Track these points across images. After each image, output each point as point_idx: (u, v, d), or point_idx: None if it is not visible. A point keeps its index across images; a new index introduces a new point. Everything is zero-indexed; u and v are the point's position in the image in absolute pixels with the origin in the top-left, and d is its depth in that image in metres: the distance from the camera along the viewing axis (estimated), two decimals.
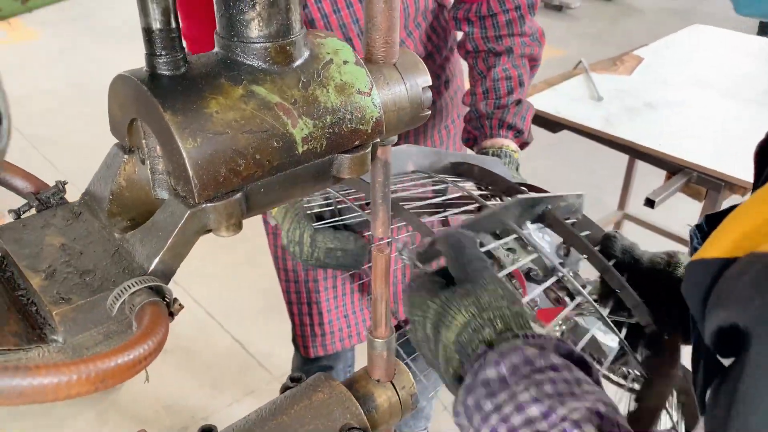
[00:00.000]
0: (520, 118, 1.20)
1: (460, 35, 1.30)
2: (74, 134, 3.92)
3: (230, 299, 2.80)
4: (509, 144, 1.18)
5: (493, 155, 1.15)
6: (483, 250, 0.76)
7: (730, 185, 1.73)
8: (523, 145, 1.23)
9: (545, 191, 0.88)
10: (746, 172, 1.71)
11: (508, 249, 0.78)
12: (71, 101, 4.33)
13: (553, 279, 0.74)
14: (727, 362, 0.43)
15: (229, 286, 2.87)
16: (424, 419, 2.01)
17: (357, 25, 1.18)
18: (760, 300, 0.37)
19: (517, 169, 1.15)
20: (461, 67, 1.46)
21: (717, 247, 0.43)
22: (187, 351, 2.53)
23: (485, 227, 0.75)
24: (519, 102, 1.22)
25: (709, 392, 0.45)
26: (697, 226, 0.59)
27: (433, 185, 0.92)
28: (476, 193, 0.87)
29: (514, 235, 0.76)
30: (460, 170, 0.96)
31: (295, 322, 1.58)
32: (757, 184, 0.58)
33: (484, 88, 1.21)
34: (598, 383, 0.52)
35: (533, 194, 0.79)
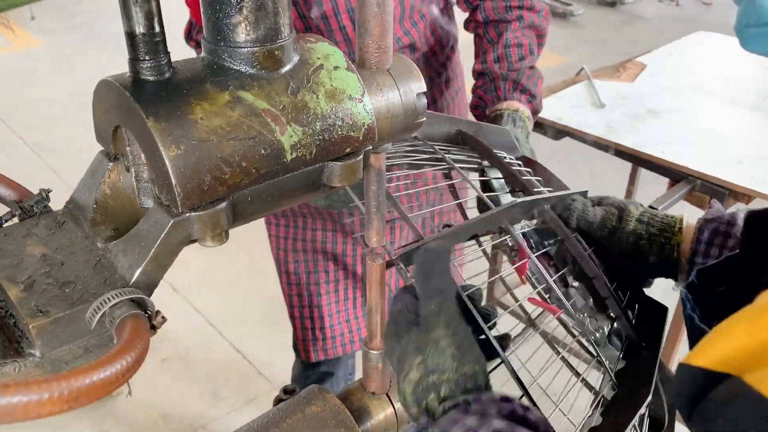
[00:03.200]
0: (533, 83, 1.21)
1: (460, 32, 1.30)
2: (77, 142, 3.91)
3: (230, 307, 2.78)
4: (524, 109, 1.18)
5: (508, 117, 1.15)
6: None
7: (734, 193, 1.71)
8: (534, 113, 1.23)
9: (546, 170, 0.87)
10: (750, 180, 1.69)
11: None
12: (74, 109, 4.33)
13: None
14: None
15: (229, 295, 2.86)
16: None
17: (348, 2, 1.17)
18: None
19: (527, 137, 1.14)
20: (463, 68, 1.46)
21: (704, 355, 0.41)
22: (186, 359, 2.51)
23: (481, 229, 0.74)
24: (532, 68, 1.23)
25: None
26: (688, 286, 0.57)
27: (426, 153, 0.88)
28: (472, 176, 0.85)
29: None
30: (465, 142, 0.93)
31: (296, 325, 1.57)
32: (744, 251, 0.57)
33: (495, 54, 1.22)
34: None
35: (531, 197, 0.78)
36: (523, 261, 0.77)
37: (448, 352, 0.54)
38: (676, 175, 1.79)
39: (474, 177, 0.90)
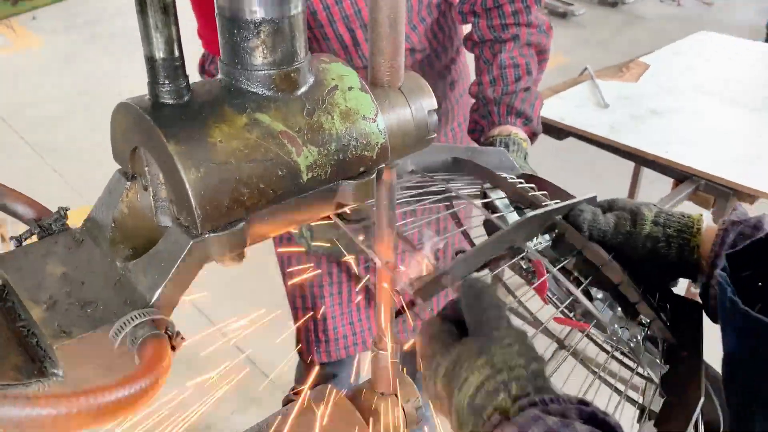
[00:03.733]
0: (529, 105, 1.17)
1: (467, 28, 1.28)
2: (78, 142, 3.92)
3: (233, 307, 2.79)
4: (518, 132, 1.15)
5: (500, 143, 1.12)
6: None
7: (738, 193, 1.71)
8: (532, 136, 1.19)
9: (550, 183, 0.85)
10: (754, 180, 1.70)
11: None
12: (76, 109, 4.33)
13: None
14: None
15: (232, 294, 2.87)
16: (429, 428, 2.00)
17: (360, 16, 1.16)
18: None
19: (525, 158, 1.11)
20: (468, 70, 1.44)
21: None
22: (188, 359, 2.52)
23: (494, 251, 0.73)
24: (527, 89, 1.19)
25: None
26: (723, 270, 0.54)
27: (426, 186, 0.87)
28: (477, 199, 0.85)
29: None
30: (462, 167, 0.92)
31: (299, 327, 1.56)
32: None
33: (491, 76, 1.19)
34: None
35: (540, 210, 0.77)
36: (542, 279, 0.75)
37: (515, 348, 0.52)
38: (680, 175, 1.79)
39: (477, 202, 0.88)
